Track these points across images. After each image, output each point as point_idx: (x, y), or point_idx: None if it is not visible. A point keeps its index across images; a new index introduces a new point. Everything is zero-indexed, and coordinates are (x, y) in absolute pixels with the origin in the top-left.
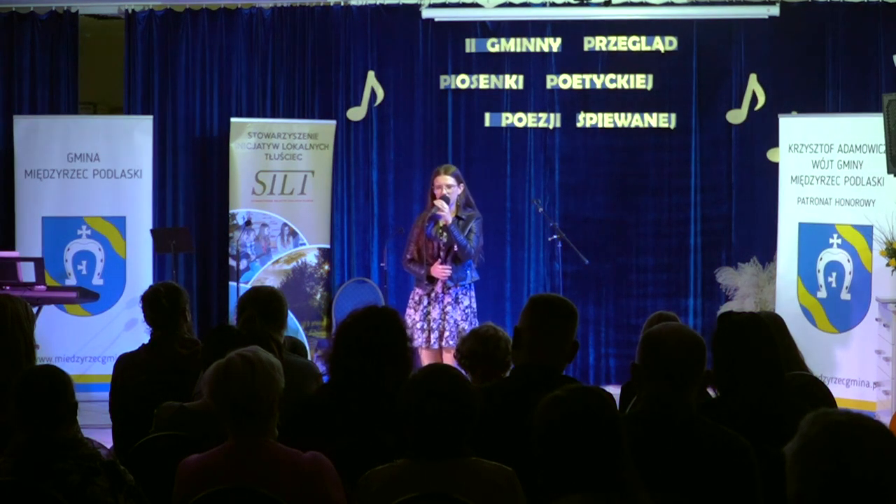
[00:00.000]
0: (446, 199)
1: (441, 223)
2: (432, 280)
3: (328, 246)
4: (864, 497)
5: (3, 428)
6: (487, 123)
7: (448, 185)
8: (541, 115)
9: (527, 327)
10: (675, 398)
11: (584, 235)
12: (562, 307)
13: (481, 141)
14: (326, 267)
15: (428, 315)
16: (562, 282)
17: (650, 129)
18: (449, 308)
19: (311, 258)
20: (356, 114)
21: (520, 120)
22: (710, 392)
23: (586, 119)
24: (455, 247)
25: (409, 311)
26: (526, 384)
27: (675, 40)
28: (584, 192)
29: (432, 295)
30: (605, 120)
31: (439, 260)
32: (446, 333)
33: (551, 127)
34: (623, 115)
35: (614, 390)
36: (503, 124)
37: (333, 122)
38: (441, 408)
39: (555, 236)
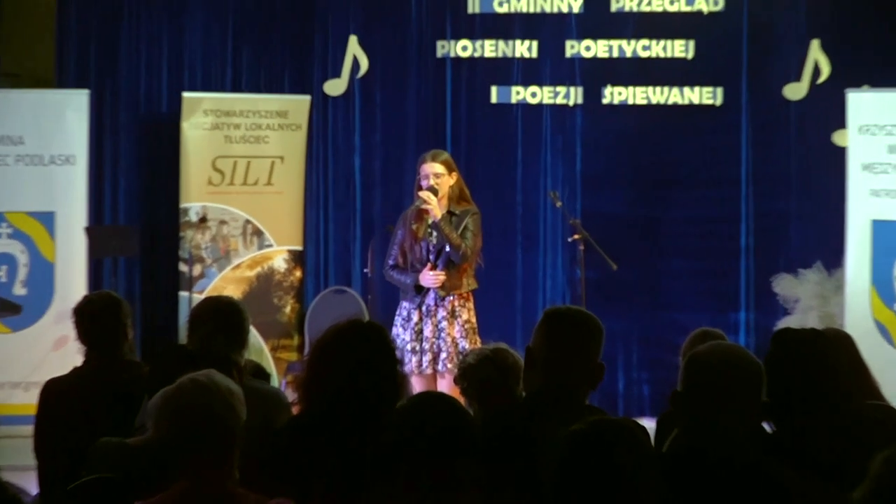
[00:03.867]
0: (434, 191)
1: (428, 220)
2: (421, 290)
3: (300, 248)
4: None
5: None
6: (494, 100)
7: (436, 173)
8: (559, 89)
9: (541, 346)
10: (724, 433)
11: (612, 235)
12: (584, 322)
13: (487, 121)
14: (298, 273)
15: (419, 334)
16: (584, 291)
17: (691, 107)
18: (444, 324)
19: (280, 263)
20: (335, 87)
21: (533, 95)
22: (766, 427)
23: (614, 94)
24: (447, 247)
25: (397, 330)
26: (539, 414)
27: None
28: (611, 182)
29: (423, 308)
30: (636, 95)
31: (429, 265)
32: (442, 355)
33: (571, 104)
34: (658, 89)
35: (649, 424)
36: (513, 100)
37: (307, 98)
38: (435, 446)
39: (576, 236)
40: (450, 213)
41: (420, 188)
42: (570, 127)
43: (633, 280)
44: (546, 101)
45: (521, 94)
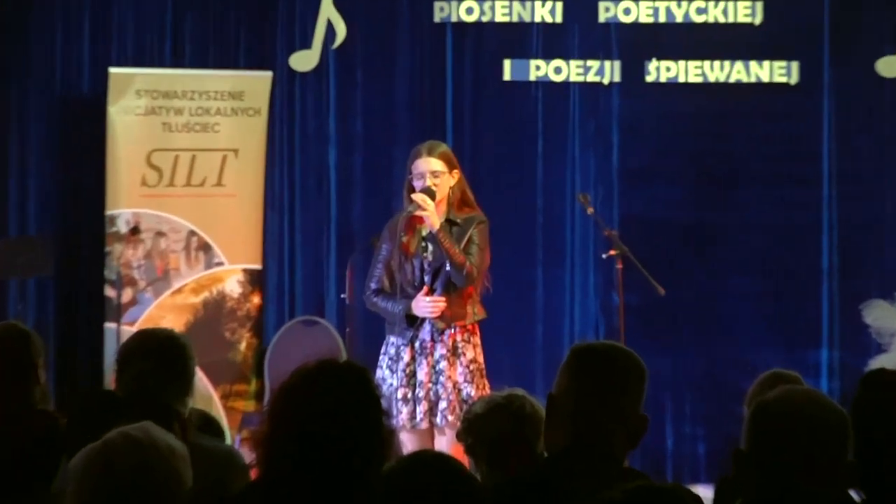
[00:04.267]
0: (430, 194)
1: (423, 230)
2: (413, 321)
3: (259, 267)
4: None
5: None
6: (508, 76)
7: (433, 171)
8: (590, 63)
9: (568, 393)
10: (802, 502)
11: (658, 249)
12: (622, 362)
13: (498, 104)
14: (256, 300)
15: (412, 378)
16: (623, 322)
17: (759, 87)
18: (444, 365)
19: (233, 286)
20: (304, 61)
21: (557, 71)
22: (854, 495)
23: (660, 70)
24: (447, 265)
25: (383, 373)
26: (564, 479)
27: None
28: (656, 181)
29: (417, 345)
30: (688, 71)
31: (425, 289)
32: (441, 405)
33: (606, 82)
34: (717, 64)
35: (705, 492)
36: (532, 77)
37: (268, 75)
38: None
39: (612, 252)
40: (450, 221)
41: (412, 190)
42: (605, 111)
43: (685, 307)
44: (574, 78)
45: (541, 69)
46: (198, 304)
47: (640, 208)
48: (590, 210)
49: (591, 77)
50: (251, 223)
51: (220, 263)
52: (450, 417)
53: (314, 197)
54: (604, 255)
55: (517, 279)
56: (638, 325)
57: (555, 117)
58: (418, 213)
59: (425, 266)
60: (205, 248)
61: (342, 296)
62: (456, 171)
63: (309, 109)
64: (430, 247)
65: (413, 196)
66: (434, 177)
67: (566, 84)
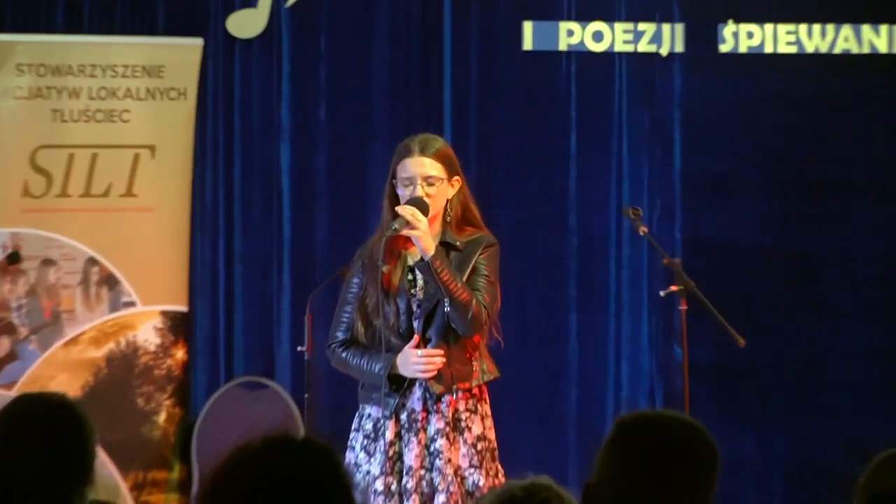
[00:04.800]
0: (422, 206)
1: (410, 257)
2: (399, 384)
3: (184, 308)
4: None
5: None
6: (528, 45)
7: (427, 176)
8: (642, 27)
9: (611, 480)
10: None
11: (735, 284)
12: (685, 439)
13: (515, 83)
14: (181, 354)
15: (397, 462)
16: (688, 386)
17: (874, 60)
18: (441, 443)
19: (149, 334)
20: (246, 24)
21: (597, 37)
22: None
23: (738, 36)
24: (446, 304)
25: (356, 455)
26: None
27: None
28: (733, 190)
29: (404, 418)
30: (777, 38)
31: (414, 339)
32: (439, 499)
33: (665, 53)
34: (816, 28)
35: None
36: (562, 46)
37: (198, 43)
38: None
39: (673, 288)
40: (448, 245)
41: (397, 201)
42: (663, 94)
43: (773, 365)
44: (620, 47)
45: (575, 34)
46: (100, 360)
47: (711, 228)
48: (642, 230)
49: (644, 46)
50: (174, 248)
51: (131, 304)
52: None
53: (260, 212)
54: (662, 293)
55: (541, 326)
56: (708, 388)
57: (594, 102)
58: (405, 232)
59: (414, 307)
60: (109, 282)
61: (299, 349)
62: (457, 176)
63: (254, 91)
64: (421, 280)
65: (398, 209)
66: (428, 184)
67: (609, 56)
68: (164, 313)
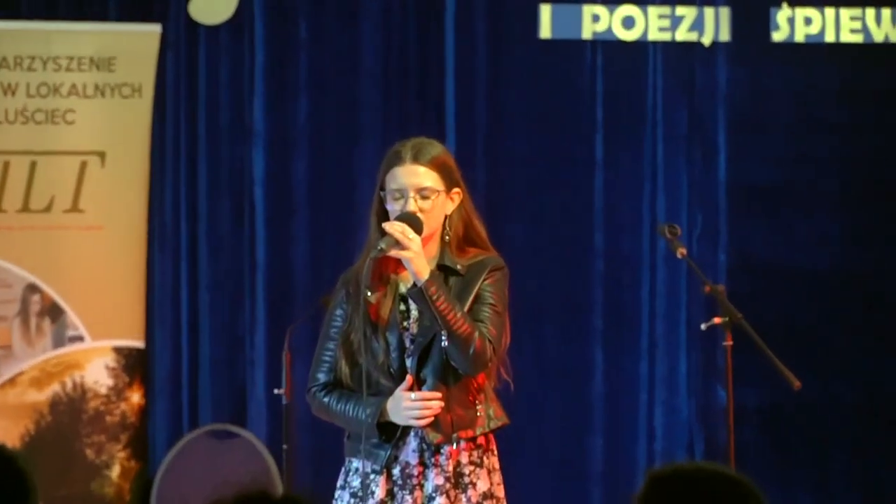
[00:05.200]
0: (415, 223)
1: (401, 283)
2: (391, 434)
3: (140, 344)
4: None
5: None
6: (546, 32)
7: (422, 188)
8: (682, 11)
9: None
10: None
11: (790, 315)
12: (729, 496)
13: (530, 76)
14: (137, 398)
15: None
16: (733, 435)
17: None
18: (441, 502)
19: (99, 374)
20: (212, 8)
21: (628, 23)
22: None
23: (794, 22)
24: (443, 338)
25: None
26: None
27: None
28: (788, 204)
29: (396, 472)
30: (840, 25)
31: (407, 380)
32: None
33: (707, 42)
34: (886, 13)
35: None
36: (586, 34)
37: (156, 31)
38: None
39: (716, 320)
40: (446, 268)
41: (385, 216)
42: (706, 90)
43: (835, 411)
44: (655, 35)
45: (601, 20)
46: (42, 405)
47: (761, 249)
48: (680, 252)
49: (683, 34)
50: (128, 273)
51: (79, 338)
52: None
53: (229, 229)
54: (703, 326)
55: (560, 364)
56: (757, 438)
57: (623, 99)
58: (393, 253)
59: (407, 342)
60: (53, 312)
61: (276, 391)
62: (457, 188)
63: (221, 87)
64: (415, 311)
65: (385, 226)
66: (421, 196)
67: (642, 45)
68: (117, 350)
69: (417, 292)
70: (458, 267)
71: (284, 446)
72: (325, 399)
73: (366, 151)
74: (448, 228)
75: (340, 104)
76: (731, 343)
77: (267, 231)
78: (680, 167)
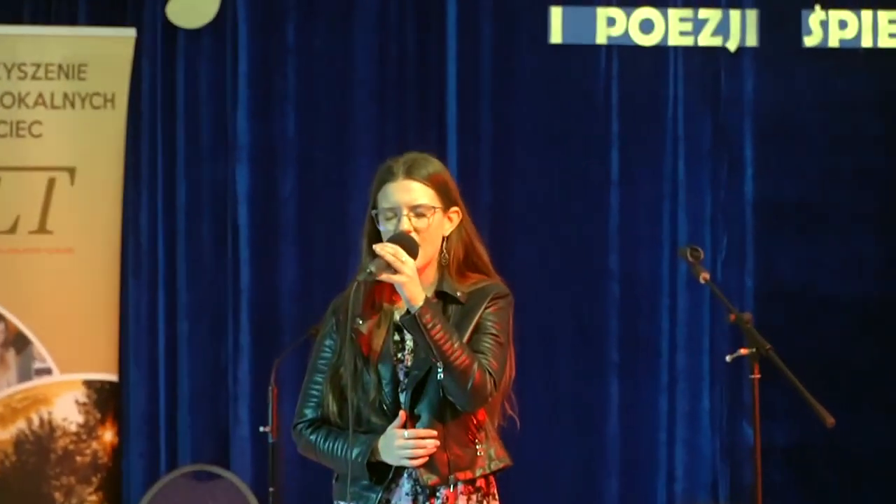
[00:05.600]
0: (409, 244)
1: (395, 310)
2: (383, 475)
3: (114, 377)
4: None
5: None
6: (557, 37)
7: (417, 206)
8: (704, 14)
9: None
10: None
11: (821, 344)
12: None
13: (540, 84)
14: (110, 436)
15: None
16: (760, 477)
17: None
18: None
19: (69, 411)
20: (190, 9)
21: (646, 27)
22: None
23: (828, 26)
24: (438, 370)
25: None
26: None
27: None
28: (817, 223)
29: None
30: (878, 29)
31: (401, 416)
32: None
33: (733, 48)
34: None
35: None
36: (600, 38)
37: (131, 35)
38: None
39: (742, 351)
40: (444, 295)
41: (377, 237)
42: (732, 98)
43: (868, 447)
44: (676, 39)
45: (618, 23)
46: (6, 444)
47: (792, 273)
48: (703, 276)
49: (707, 39)
50: (100, 300)
51: (46, 371)
52: None
53: (210, 253)
54: (728, 358)
55: (572, 399)
56: (788, 479)
57: (641, 110)
58: (385, 277)
59: (400, 376)
60: (18, 343)
61: (261, 429)
62: (456, 207)
63: (202, 97)
64: (410, 342)
65: (376, 248)
66: (416, 214)
67: (662, 51)
68: (89, 383)
69: (411, 320)
70: (458, 294)
71: (271, 489)
72: (312, 437)
73: (359, 168)
74: (446, 251)
75: (332, 116)
76: (758, 376)
77: (252, 254)
78: (703, 184)
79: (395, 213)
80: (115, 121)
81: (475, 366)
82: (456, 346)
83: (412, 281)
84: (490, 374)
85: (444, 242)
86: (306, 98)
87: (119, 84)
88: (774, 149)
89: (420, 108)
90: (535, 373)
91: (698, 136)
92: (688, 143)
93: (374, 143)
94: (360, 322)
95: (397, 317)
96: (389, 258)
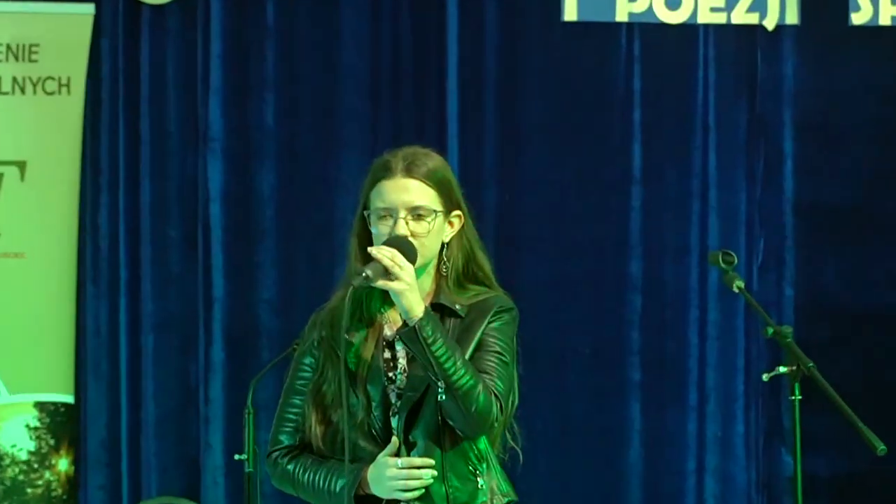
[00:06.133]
0: (407, 249)
1: (384, 326)
2: None
3: (69, 398)
4: None
5: None
6: (572, 14)
7: (415, 207)
8: None
9: None
10: None
11: (868, 362)
12: None
13: (551, 66)
14: (65, 464)
15: None
16: None
17: None
18: None
19: (19, 436)
20: None
21: (672, 3)
22: None
23: (877, 3)
24: (439, 391)
25: None
26: None
27: None
28: (865, 226)
29: None
30: None
31: (392, 445)
32: None
33: (770, 27)
34: None
35: None
36: (619, 16)
37: (89, 11)
38: None
39: (781, 369)
40: (442, 307)
41: (369, 240)
42: (769, 84)
43: None
44: (705, 17)
45: (641, 0)
46: None
47: (836, 282)
48: (737, 285)
49: (742, 16)
50: (54, 311)
51: None
52: None
53: (179, 257)
54: (765, 377)
55: (588, 424)
56: None
57: (667, 96)
58: (381, 284)
59: (392, 397)
60: None
61: (236, 457)
62: (458, 211)
63: (170, 81)
64: (403, 359)
65: (371, 251)
66: (415, 218)
67: (691, 29)
68: (41, 406)
69: (409, 333)
70: (458, 307)
71: None
72: (290, 466)
73: (347, 163)
74: (446, 260)
75: (316, 106)
76: (799, 397)
77: (226, 259)
78: (737, 182)
79: (391, 213)
80: (70, 108)
81: (480, 386)
82: (459, 363)
83: (411, 289)
84: (497, 396)
85: (444, 249)
86: (286, 86)
87: (75, 67)
88: (817, 142)
89: (416, 95)
90: (544, 396)
91: (732, 126)
92: (720, 135)
93: (363, 135)
94: (351, 336)
95: (388, 331)
96: (387, 262)
